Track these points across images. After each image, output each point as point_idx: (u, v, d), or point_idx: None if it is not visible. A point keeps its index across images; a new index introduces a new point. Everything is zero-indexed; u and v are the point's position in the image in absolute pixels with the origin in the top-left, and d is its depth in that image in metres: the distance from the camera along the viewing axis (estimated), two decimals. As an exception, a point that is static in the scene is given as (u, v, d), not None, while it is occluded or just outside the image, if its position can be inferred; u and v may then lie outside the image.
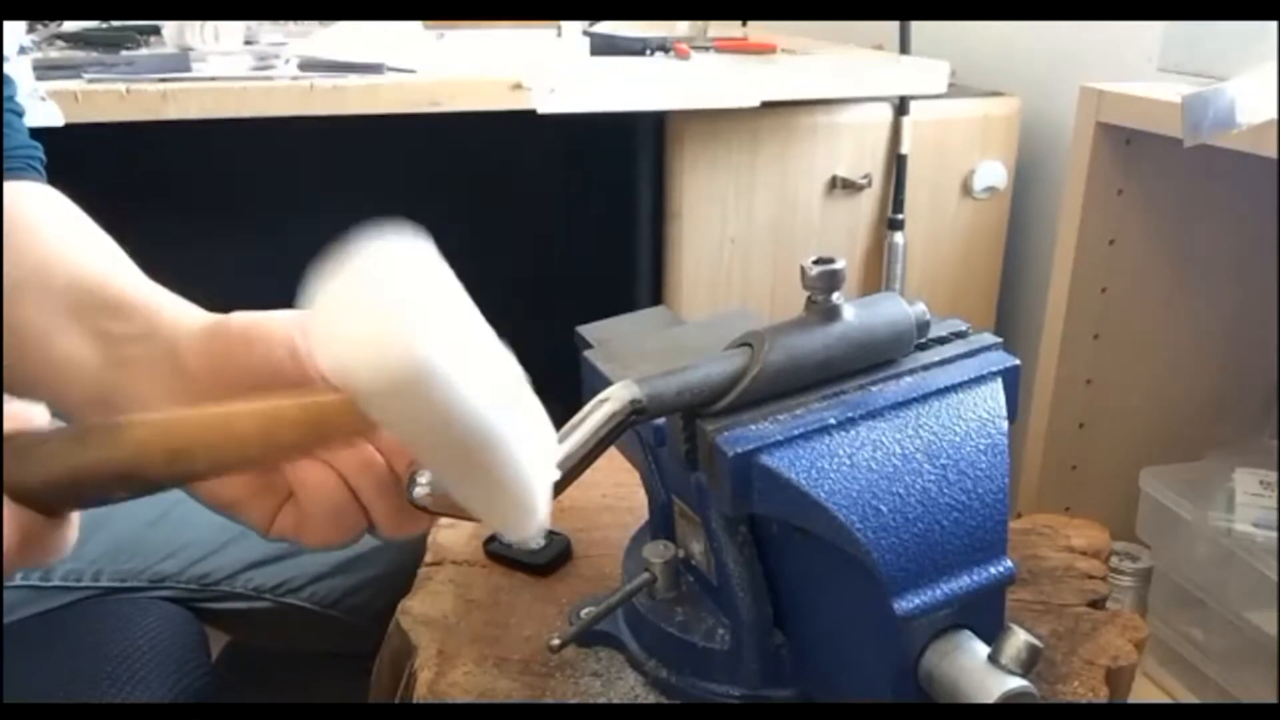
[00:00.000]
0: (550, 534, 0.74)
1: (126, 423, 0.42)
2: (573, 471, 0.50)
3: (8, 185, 0.59)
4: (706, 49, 1.57)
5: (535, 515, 0.43)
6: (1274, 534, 1.13)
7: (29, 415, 0.42)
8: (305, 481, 0.48)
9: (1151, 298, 1.26)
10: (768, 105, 1.36)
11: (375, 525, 0.50)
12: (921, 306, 0.57)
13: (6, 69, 0.69)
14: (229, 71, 1.19)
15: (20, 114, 0.69)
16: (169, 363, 0.51)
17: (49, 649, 0.71)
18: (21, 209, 0.57)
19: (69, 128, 1.09)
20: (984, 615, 0.51)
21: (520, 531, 0.43)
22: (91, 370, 0.52)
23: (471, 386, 0.37)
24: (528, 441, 0.41)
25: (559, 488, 0.49)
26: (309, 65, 1.22)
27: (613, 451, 0.53)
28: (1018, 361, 0.57)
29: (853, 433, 0.52)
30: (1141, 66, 1.34)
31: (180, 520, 0.80)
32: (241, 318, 0.51)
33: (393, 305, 0.36)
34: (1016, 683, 0.47)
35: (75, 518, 0.43)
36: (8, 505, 0.39)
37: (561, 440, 0.50)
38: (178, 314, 0.52)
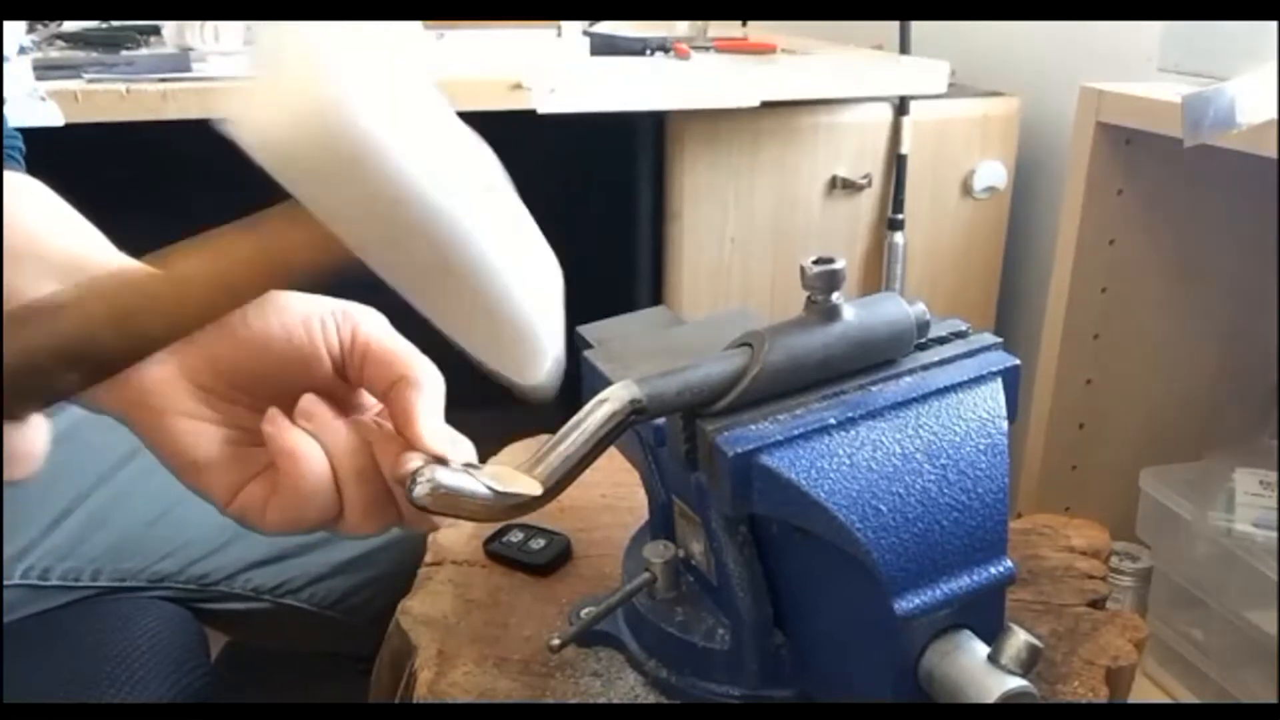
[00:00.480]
0: (550, 534, 0.74)
1: (65, 294, 0.38)
2: (573, 471, 0.50)
3: None
4: (706, 49, 1.57)
5: (534, 342, 0.39)
6: (1274, 534, 1.13)
7: None
8: (290, 450, 0.46)
9: (1151, 298, 1.26)
10: (768, 105, 1.36)
11: (344, 515, 0.48)
12: (921, 306, 0.57)
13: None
14: (229, 71, 1.19)
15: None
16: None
17: (48, 649, 0.71)
18: (11, 197, 0.56)
19: (69, 128, 1.09)
20: (984, 615, 0.51)
21: (522, 368, 0.40)
22: None
23: (420, 162, 0.33)
24: (511, 244, 0.37)
25: (559, 488, 0.50)
26: (309, 65, 1.21)
27: (613, 451, 0.53)
28: (1018, 361, 0.57)
29: (853, 433, 0.52)
30: (1141, 66, 1.34)
31: (180, 520, 0.80)
32: (270, 297, 0.48)
33: (320, 66, 0.32)
34: (1016, 683, 0.47)
35: (42, 424, 0.40)
36: None
37: (562, 440, 0.50)
38: None
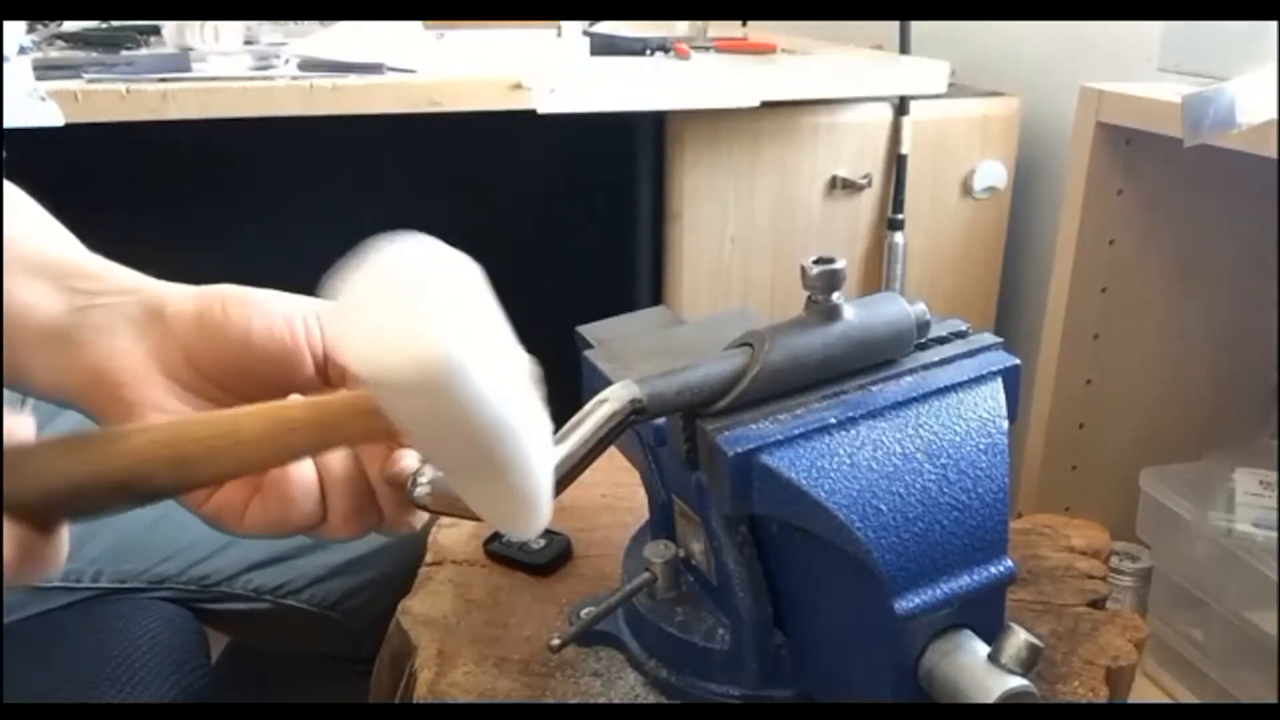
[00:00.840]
0: (550, 534, 0.74)
1: (124, 431, 0.40)
2: (573, 471, 0.50)
3: None
4: (706, 49, 1.57)
5: (541, 513, 0.42)
6: (1274, 534, 1.13)
7: (16, 427, 0.39)
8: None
9: (1151, 298, 1.26)
10: (768, 105, 1.36)
11: (327, 519, 0.48)
12: (922, 306, 0.57)
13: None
14: (229, 71, 1.19)
15: None
16: (149, 311, 0.48)
17: (49, 649, 0.71)
18: None
19: (69, 128, 1.09)
20: (984, 615, 0.51)
21: (525, 529, 0.42)
22: (51, 314, 0.48)
23: (492, 385, 0.36)
24: (537, 440, 0.40)
25: (559, 487, 0.50)
26: (309, 65, 1.22)
27: (612, 451, 0.53)
28: (1018, 361, 0.57)
29: (853, 432, 0.52)
30: (1141, 66, 1.34)
31: (180, 521, 0.79)
32: (240, 288, 0.49)
33: (421, 299, 0.35)
34: (1017, 682, 0.47)
35: (66, 529, 0.41)
36: (6, 524, 0.38)
37: (561, 440, 0.50)
38: (163, 284, 0.50)
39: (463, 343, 0.35)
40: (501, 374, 0.38)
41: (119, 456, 0.39)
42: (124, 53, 1.29)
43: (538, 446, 0.41)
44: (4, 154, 0.68)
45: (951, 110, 1.53)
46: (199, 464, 0.40)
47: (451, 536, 0.75)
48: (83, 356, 0.47)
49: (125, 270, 0.51)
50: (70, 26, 1.40)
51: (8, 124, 1.02)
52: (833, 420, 0.52)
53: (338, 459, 0.47)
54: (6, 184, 0.56)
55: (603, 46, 1.47)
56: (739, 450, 0.51)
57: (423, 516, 0.50)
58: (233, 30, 1.31)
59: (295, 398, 0.44)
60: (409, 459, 0.46)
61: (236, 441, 0.40)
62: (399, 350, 0.35)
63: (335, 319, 0.37)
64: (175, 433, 0.40)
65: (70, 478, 0.39)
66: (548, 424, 0.43)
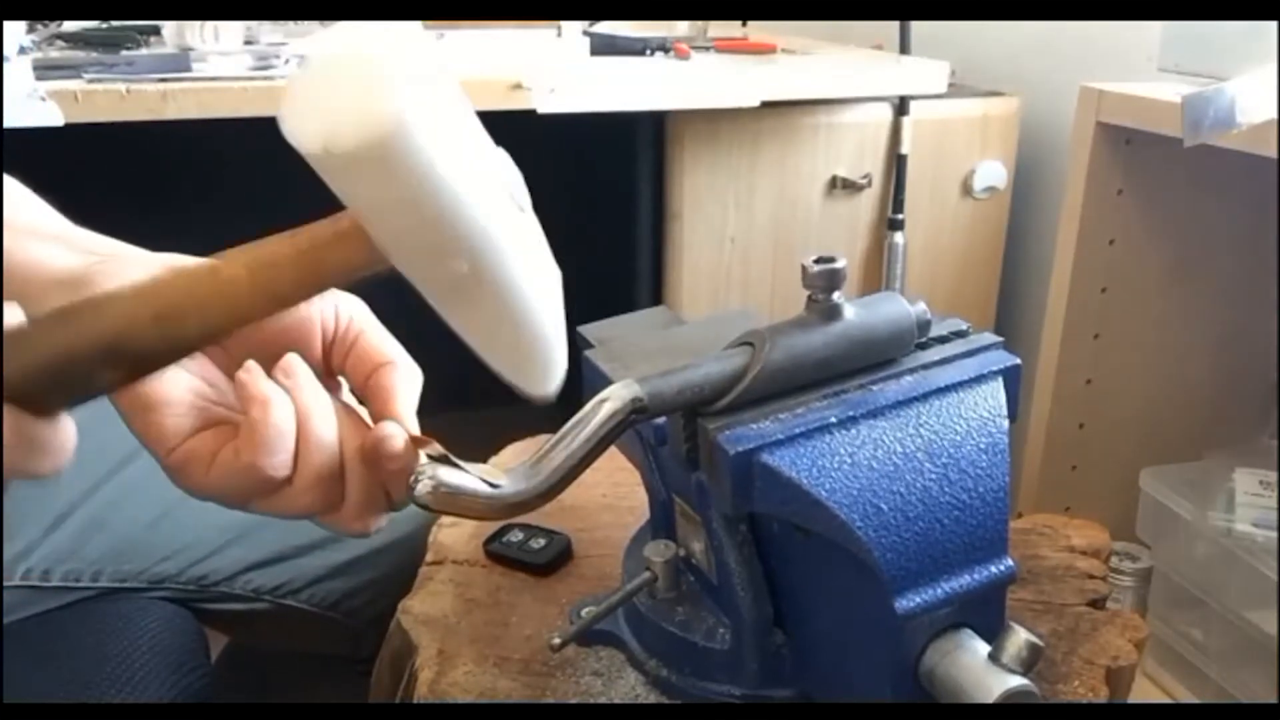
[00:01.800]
0: (550, 534, 0.74)
1: (109, 294, 0.38)
2: (574, 471, 0.50)
3: None
4: (706, 49, 1.57)
5: (549, 355, 0.40)
6: (1274, 534, 1.13)
7: (6, 313, 0.38)
8: (265, 399, 0.45)
9: (1151, 298, 1.26)
10: (768, 105, 1.36)
11: (293, 479, 0.46)
12: (922, 306, 0.57)
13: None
14: (229, 71, 1.19)
15: None
16: (167, 268, 0.46)
17: (49, 649, 0.71)
18: None
19: (69, 128, 1.09)
20: (984, 614, 0.51)
21: (538, 381, 0.41)
22: (67, 265, 0.48)
23: (449, 160, 0.35)
24: (521, 252, 0.38)
25: (559, 488, 0.50)
26: (309, 65, 1.21)
27: (613, 451, 0.53)
28: (1018, 361, 0.57)
29: (853, 431, 0.52)
30: (1141, 66, 1.34)
31: (180, 521, 0.80)
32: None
33: (370, 70, 0.33)
34: (1017, 681, 0.47)
35: (69, 419, 0.40)
36: (5, 408, 0.36)
37: (562, 439, 0.50)
38: (184, 258, 0.49)
39: (410, 112, 0.33)
40: (481, 176, 0.36)
41: (105, 318, 0.38)
42: (124, 53, 1.29)
43: (522, 260, 0.38)
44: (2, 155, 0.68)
45: (951, 110, 1.53)
46: (184, 316, 0.39)
47: (452, 536, 0.75)
48: (91, 295, 0.46)
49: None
50: (70, 26, 1.39)
51: (8, 124, 1.02)
52: (833, 419, 0.52)
53: (322, 418, 0.46)
54: (17, 183, 0.56)
55: (603, 46, 1.47)
56: (740, 449, 0.51)
57: (383, 520, 0.49)
58: (233, 30, 1.31)
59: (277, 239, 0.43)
60: (391, 427, 0.46)
61: (218, 290, 0.38)
62: (342, 117, 0.33)
63: (285, 101, 0.36)
64: (159, 287, 0.39)
65: (59, 347, 0.38)
66: (547, 252, 0.41)
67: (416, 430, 0.47)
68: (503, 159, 0.39)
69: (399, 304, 0.50)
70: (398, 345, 0.50)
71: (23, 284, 0.48)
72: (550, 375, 0.41)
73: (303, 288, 0.42)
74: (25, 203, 0.55)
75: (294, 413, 0.45)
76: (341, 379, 0.51)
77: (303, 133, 0.35)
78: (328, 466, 0.46)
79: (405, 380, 0.48)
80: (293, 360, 0.46)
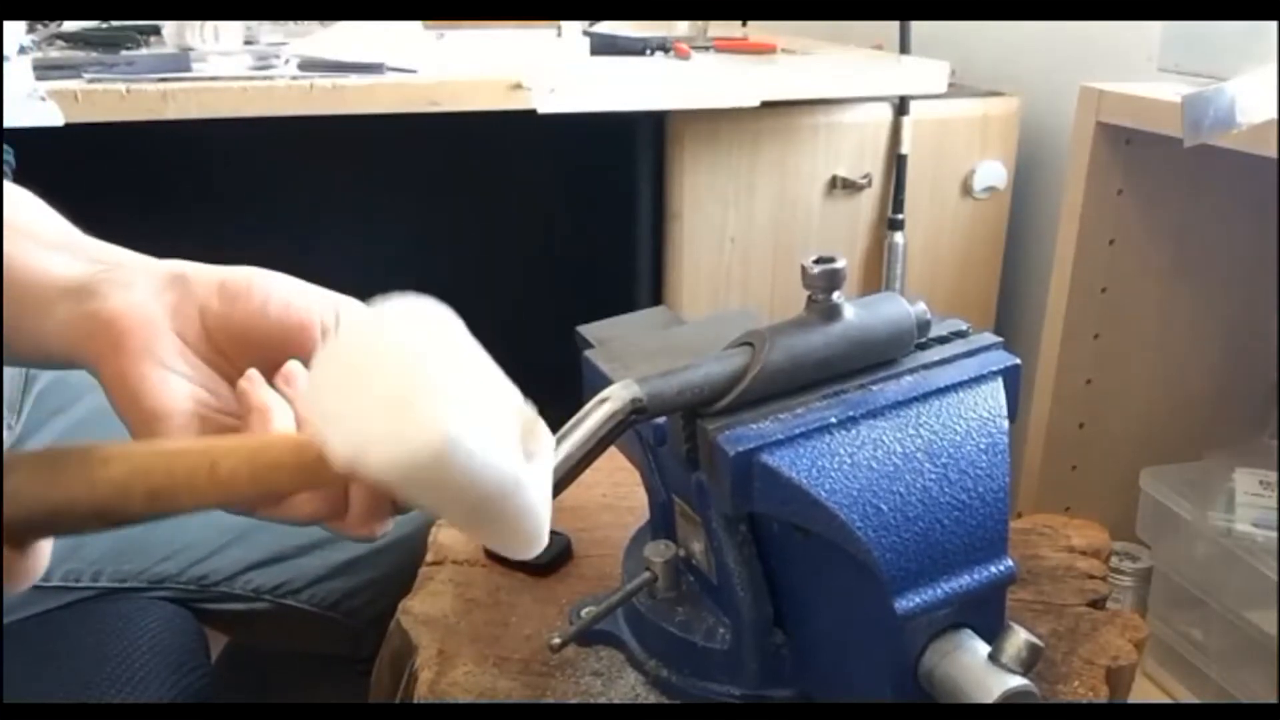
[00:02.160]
0: (550, 534, 0.73)
1: (103, 457, 0.39)
2: (573, 471, 0.50)
3: None
4: (706, 49, 1.57)
5: (540, 540, 0.42)
6: (1274, 534, 1.13)
7: None
8: (265, 408, 0.45)
9: (1151, 298, 1.26)
10: (768, 105, 1.36)
11: (349, 511, 0.47)
12: (922, 306, 0.57)
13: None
14: (229, 71, 1.19)
15: None
16: (173, 278, 0.48)
17: (49, 649, 0.71)
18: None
19: (69, 128, 1.09)
20: (984, 614, 0.51)
21: (525, 555, 0.43)
22: (73, 273, 0.48)
23: (492, 450, 0.36)
24: (538, 481, 0.40)
25: (559, 487, 0.50)
26: (309, 65, 1.22)
27: (612, 451, 0.53)
28: (1018, 361, 0.57)
29: (853, 432, 0.52)
30: (1141, 66, 1.34)
31: (180, 521, 0.79)
32: (271, 272, 0.49)
33: (403, 376, 0.34)
34: (1017, 682, 0.47)
35: (47, 544, 0.41)
36: None
37: (562, 440, 0.50)
38: (183, 262, 0.50)
39: (457, 420, 0.34)
40: (498, 430, 0.37)
41: (98, 484, 0.38)
42: (124, 53, 1.29)
43: (538, 488, 0.40)
44: (13, 163, 0.68)
45: (951, 110, 1.53)
46: (175, 497, 0.39)
47: (452, 536, 0.75)
48: (97, 304, 0.46)
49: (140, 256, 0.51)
50: (70, 26, 1.39)
51: (8, 124, 1.02)
52: (833, 420, 0.52)
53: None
54: (23, 190, 0.56)
55: (603, 46, 1.47)
56: (739, 450, 0.51)
57: (389, 524, 0.49)
58: (233, 30, 1.31)
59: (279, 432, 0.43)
60: None
61: (213, 480, 0.39)
62: (374, 435, 0.33)
63: (310, 399, 0.36)
64: (152, 465, 0.39)
65: (47, 502, 0.38)
66: (549, 450, 0.42)
67: None
68: (506, 388, 0.40)
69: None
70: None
71: (27, 292, 0.48)
72: (537, 550, 0.43)
73: (302, 485, 0.42)
74: (29, 207, 0.55)
75: (294, 421, 0.45)
76: None
77: (330, 435, 0.36)
78: (374, 504, 0.46)
79: None
80: (293, 368, 0.46)
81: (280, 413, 0.45)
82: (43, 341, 0.48)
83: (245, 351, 0.48)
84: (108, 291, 0.46)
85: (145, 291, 0.46)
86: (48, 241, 0.51)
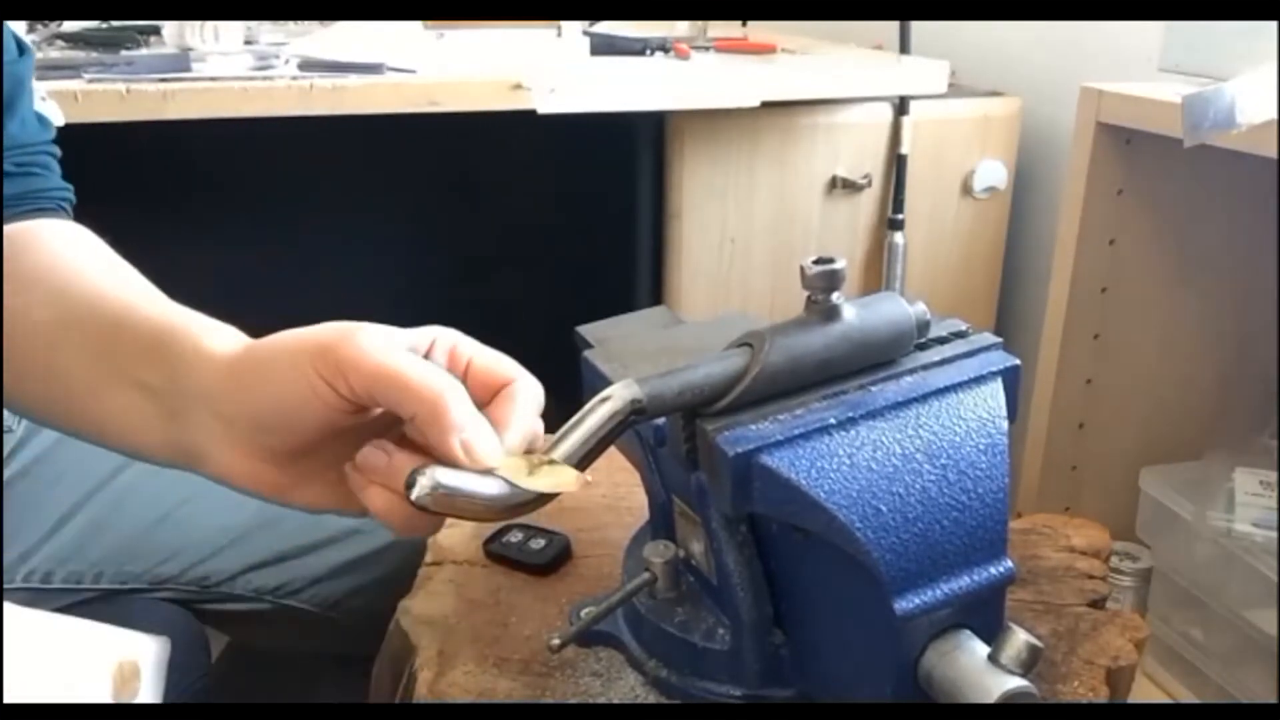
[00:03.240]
0: (550, 534, 0.74)
1: None
2: (573, 471, 0.50)
3: (38, 222, 0.61)
4: (706, 49, 1.57)
5: None
6: (1274, 534, 1.13)
7: None
8: (373, 507, 0.48)
9: (1151, 297, 1.26)
10: (768, 105, 1.36)
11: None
12: (922, 306, 0.57)
13: (49, 115, 0.72)
14: (229, 71, 1.19)
15: (57, 157, 0.70)
16: (206, 406, 0.50)
17: (49, 649, 0.71)
18: (51, 245, 0.58)
19: (69, 128, 1.08)
20: (984, 615, 0.51)
21: None
22: (155, 422, 0.53)
23: None
24: None
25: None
26: (309, 65, 1.22)
27: (612, 451, 0.53)
28: (1018, 361, 0.57)
29: (853, 432, 0.52)
30: (1141, 66, 1.34)
31: (181, 523, 0.80)
32: (262, 349, 0.50)
33: None
34: (1016, 682, 0.47)
35: None
36: None
37: (561, 440, 0.50)
38: (204, 349, 0.51)
39: None
40: None
41: None
42: (124, 53, 1.29)
43: None
44: (73, 199, 0.70)
45: (951, 110, 1.53)
46: None
47: (451, 537, 0.75)
48: (179, 440, 0.52)
49: (171, 331, 0.53)
50: (70, 26, 1.40)
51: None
52: (833, 420, 0.52)
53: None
54: (69, 224, 0.58)
55: (603, 46, 1.47)
56: (739, 450, 0.51)
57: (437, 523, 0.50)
58: (233, 30, 1.31)
59: None
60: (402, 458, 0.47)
61: None
62: None
63: None
64: None
65: None
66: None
67: (487, 462, 0.47)
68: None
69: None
70: (414, 370, 0.47)
71: (126, 443, 0.55)
72: None
73: None
74: (89, 289, 0.57)
75: (398, 506, 0.47)
76: None
77: None
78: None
79: (444, 423, 0.46)
80: (364, 458, 0.48)
81: (385, 508, 0.48)
82: (149, 456, 0.55)
83: (285, 435, 0.49)
84: (196, 452, 0.51)
85: (216, 444, 0.50)
86: (88, 333, 0.55)
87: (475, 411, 0.47)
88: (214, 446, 0.50)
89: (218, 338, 0.52)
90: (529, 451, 0.50)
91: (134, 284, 0.58)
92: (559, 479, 0.48)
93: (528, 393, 0.50)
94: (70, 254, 0.59)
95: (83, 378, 0.54)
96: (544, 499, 0.49)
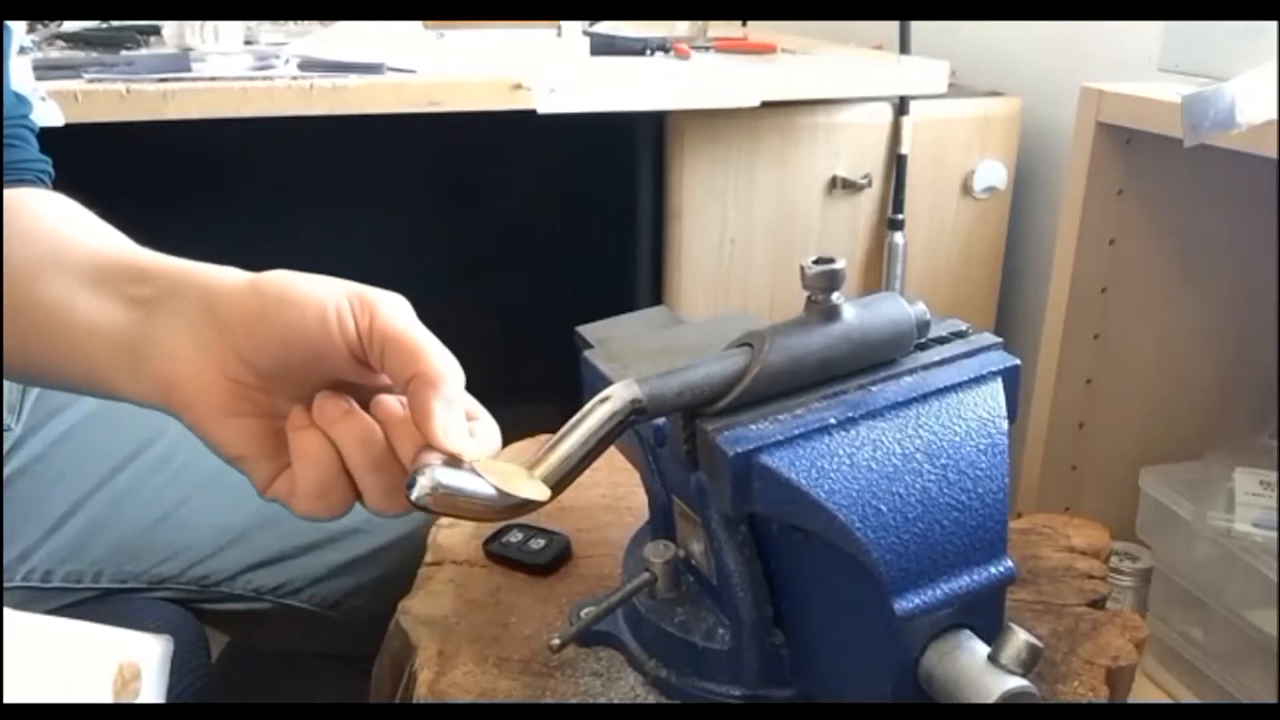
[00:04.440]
0: (550, 534, 0.74)
1: None
2: (573, 471, 0.50)
3: (19, 190, 0.60)
4: (706, 49, 1.57)
5: None
6: (1274, 534, 1.13)
7: None
8: (303, 453, 0.49)
9: (1152, 297, 1.26)
10: (768, 105, 1.36)
11: (364, 499, 0.50)
12: (921, 306, 0.57)
13: (27, 94, 0.72)
14: (229, 71, 1.19)
15: (34, 130, 0.70)
16: (203, 311, 0.50)
17: (49, 649, 0.71)
18: (33, 206, 0.58)
19: (69, 128, 1.09)
20: (984, 615, 0.51)
21: None
22: (117, 327, 0.52)
23: None
24: None
25: (559, 488, 0.50)
26: (309, 65, 1.22)
27: (612, 451, 0.53)
28: (1018, 361, 0.57)
29: (853, 432, 0.52)
30: (1141, 66, 1.34)
31: (181, 522, 0.80)
32: (280, 277, 0.51)
33: None
34: (1016, 682, 0.47)
35: None
36: None
37: (562, 440, 0.50)
38: (213, 272, 0.52)
39: None
40: None
41: None
42: (124, 53, 1.29)
43: None
44: (52, 173, 0.70)
45: (951, 110, 1.53)
46: None
47: (451, 536, 0.75)
48: (153, 368, 0.50)
49: (174, 263, 0.54)
50: (70, 26, 1.40)
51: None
52: (833, 420, 0.52)
53: (361, 446, 0.49)
54: (51, 192, 0.58)
55: (603, 46, 1.47)
56: (739, 450, 0.51)
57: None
58: (233, 30, 1.31)
59: None
60: (431, 458, 0.47)
61: None
62: None
63: None
64: None
65: None
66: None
67: (456, 445, 0.48)
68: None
69: (415, 312, 0.50)
70: (429, 339, 0.49)
71: (85, 348, 0.52)
72: None
73: None
74: (76, 235, 0.57)
75: (334, 456, 0.49)
76: None
77: None
78: (390, 480, 0.49)
79: (442, 396, 0.48)
80: (322, 400, 0.50)
81: (315, 453, 0.49)
82: (119, 393, 0.52)
83: (289, 374, 0.50)
84: (154, 353, 0.50)
85: (186, 345, 0.50)
86: (81, 271, 0.53)
87: (463, 399, 0.50)
88: (204, 389, 0.50)
89: (232, 269, 0.53)
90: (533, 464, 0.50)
91: (119, 235, 0.57)
92: (538, 489, 0.49)
93: (448, 375, 0.49)
94: (59, 209, 0.59)
95: (57, 301, 0.53)
96: (539, 501, 0.49)
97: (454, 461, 0.48)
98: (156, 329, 0.51)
